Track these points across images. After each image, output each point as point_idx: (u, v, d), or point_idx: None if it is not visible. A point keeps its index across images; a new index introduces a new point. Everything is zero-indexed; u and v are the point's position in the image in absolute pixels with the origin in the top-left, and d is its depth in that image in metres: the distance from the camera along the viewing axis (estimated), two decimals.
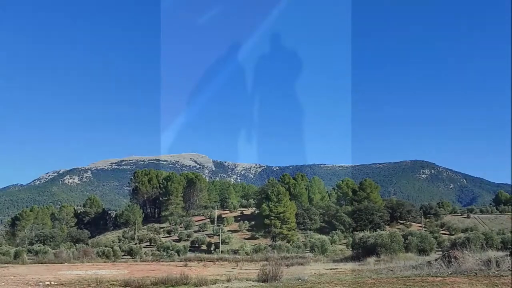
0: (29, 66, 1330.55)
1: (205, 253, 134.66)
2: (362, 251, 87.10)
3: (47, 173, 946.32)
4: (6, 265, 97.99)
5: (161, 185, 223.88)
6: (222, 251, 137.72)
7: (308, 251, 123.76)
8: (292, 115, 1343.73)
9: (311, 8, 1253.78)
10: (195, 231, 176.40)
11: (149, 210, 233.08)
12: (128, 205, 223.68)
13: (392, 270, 49.96)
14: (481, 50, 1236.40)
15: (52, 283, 47.87)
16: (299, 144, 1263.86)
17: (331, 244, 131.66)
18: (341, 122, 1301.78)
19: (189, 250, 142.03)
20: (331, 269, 63.86)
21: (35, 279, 52.68)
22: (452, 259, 47.02)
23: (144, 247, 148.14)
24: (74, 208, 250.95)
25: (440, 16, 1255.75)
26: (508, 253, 47.36)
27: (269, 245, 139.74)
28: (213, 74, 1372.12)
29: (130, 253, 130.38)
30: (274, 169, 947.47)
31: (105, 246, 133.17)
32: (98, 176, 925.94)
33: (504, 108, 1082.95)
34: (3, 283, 47.64)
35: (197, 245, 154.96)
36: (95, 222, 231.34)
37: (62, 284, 47.26)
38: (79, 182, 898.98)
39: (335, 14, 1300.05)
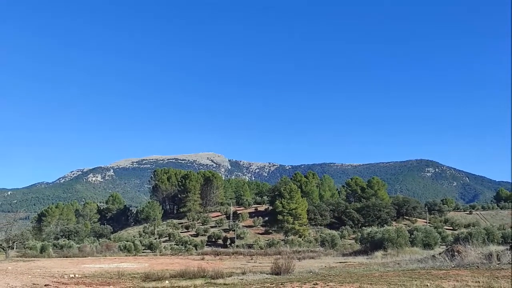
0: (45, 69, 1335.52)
1: (221, 247, 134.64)
2: (370, 245, 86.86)
3: (71, 172, 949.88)
4: (33, 258, 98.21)
5: (180, 183, 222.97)
6: (237, 246, 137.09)
7: (318, 246, 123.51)
8: (303, 117, 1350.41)
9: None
10: (212, 227, 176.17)
11: (168, 207, 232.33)
12: (148, 202, 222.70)
13: (398, 264, 49.85)
14: (482, 52, 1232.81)
15: (76, 275, 48.06)
16: (310, 144, 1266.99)
17: (341, 239, 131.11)
18: (350, 124, 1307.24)
19: (206, 245, 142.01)
20: (340, 262, 63.76)
21: (60, 272, 52.87)
22: (455, 253, 46.89)
23: (163, 242, 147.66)
24: (97, 205, 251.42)
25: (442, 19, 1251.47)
26: (509, 248, 47.17)
27: (282, 240, 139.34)
28: (225, 75, 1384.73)
29: (150, 247, 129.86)
30: (287, 167, 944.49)
31: (127, 241, 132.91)
32: (120, 174, 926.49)
33: (504, 109, 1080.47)
34: (29, 276, 47.84)
35: (213, 239, 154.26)
36: (117, 218, 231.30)
37: (85, 276, 47.44)
38: (102, 180, 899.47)
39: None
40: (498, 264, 38.64)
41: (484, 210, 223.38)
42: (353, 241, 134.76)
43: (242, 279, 38.37)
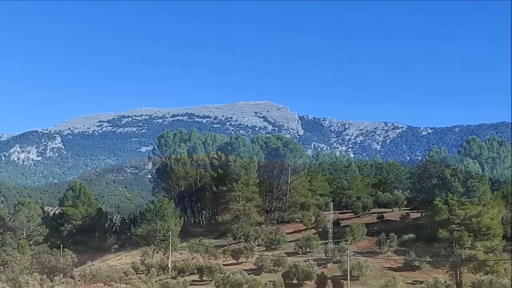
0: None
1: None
2: None
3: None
4: None
5: (214, 163, 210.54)
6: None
7: None
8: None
9: None
10: (289, 253, 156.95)
11: (189, 213, 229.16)
12: (152, 202, 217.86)
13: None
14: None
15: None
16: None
17: None
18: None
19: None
20: None
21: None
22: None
23: (190, 285, 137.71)
24: (41, 208, 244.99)
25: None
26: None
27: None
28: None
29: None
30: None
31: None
32: (75, 145, 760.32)
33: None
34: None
35: (296, 278, 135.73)
36: (85, 235, 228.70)
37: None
38: (38, 157, 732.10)
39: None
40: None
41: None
42: None
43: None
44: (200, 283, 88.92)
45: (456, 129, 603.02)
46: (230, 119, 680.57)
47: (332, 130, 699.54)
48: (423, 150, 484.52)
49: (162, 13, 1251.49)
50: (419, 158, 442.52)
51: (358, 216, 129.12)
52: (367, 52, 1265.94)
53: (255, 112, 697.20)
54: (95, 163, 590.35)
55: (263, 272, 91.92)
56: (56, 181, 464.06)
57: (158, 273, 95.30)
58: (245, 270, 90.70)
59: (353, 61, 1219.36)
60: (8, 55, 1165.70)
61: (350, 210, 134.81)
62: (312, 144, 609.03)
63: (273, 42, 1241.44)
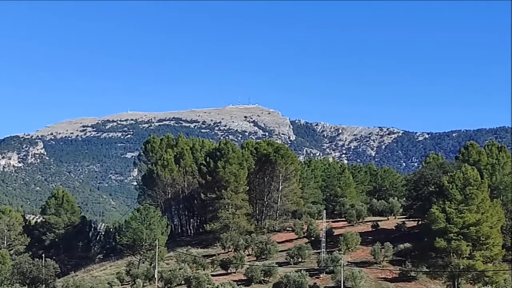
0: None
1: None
2: None
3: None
4: None
5: (204, 169, 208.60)
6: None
7: None
8: None
9: None
10: (280, 263, 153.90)
11: (177, 221, 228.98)
12: (138, 210, 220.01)
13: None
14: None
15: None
16: None
17: None
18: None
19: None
20: None
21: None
22: None
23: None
24: (22, 216, 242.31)
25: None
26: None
27: None
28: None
29: None
30: None
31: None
32: (58, 151, 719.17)
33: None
34: None
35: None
36: (67, 243, 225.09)
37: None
38: (20, 164, 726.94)
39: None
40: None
41: None
42: None
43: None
44: None
45: (453, 134, 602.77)
46: (219, 124, 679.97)
47: (325, 135, 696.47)
48: (420, 156, 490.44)
49: (149, 16, 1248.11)
50: (415, 164, 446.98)
51: (352, 225, 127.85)
52: (362, 54, 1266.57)
53: (245, 117, 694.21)
54: (79, 170, 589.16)
55: (253, 283, 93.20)
56: (38, 188, 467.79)
57: (144, 284, 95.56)
58: (234, 280, 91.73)
59: (347, 63, 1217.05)
60: None
61: (344, 219, 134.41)
62: (304, 150, 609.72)
63: (263, 44, 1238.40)
